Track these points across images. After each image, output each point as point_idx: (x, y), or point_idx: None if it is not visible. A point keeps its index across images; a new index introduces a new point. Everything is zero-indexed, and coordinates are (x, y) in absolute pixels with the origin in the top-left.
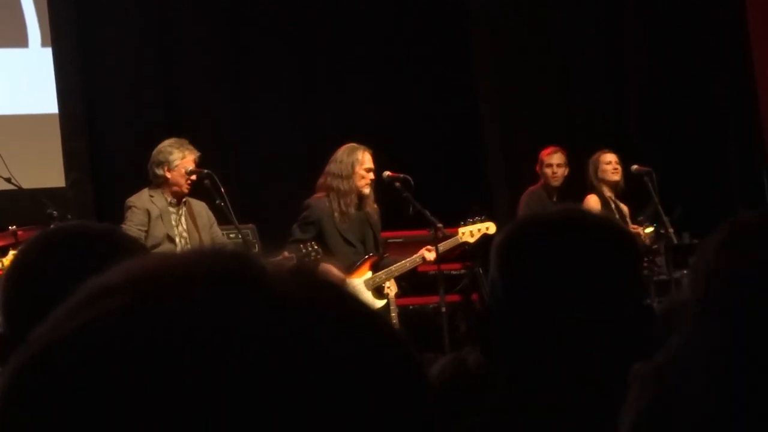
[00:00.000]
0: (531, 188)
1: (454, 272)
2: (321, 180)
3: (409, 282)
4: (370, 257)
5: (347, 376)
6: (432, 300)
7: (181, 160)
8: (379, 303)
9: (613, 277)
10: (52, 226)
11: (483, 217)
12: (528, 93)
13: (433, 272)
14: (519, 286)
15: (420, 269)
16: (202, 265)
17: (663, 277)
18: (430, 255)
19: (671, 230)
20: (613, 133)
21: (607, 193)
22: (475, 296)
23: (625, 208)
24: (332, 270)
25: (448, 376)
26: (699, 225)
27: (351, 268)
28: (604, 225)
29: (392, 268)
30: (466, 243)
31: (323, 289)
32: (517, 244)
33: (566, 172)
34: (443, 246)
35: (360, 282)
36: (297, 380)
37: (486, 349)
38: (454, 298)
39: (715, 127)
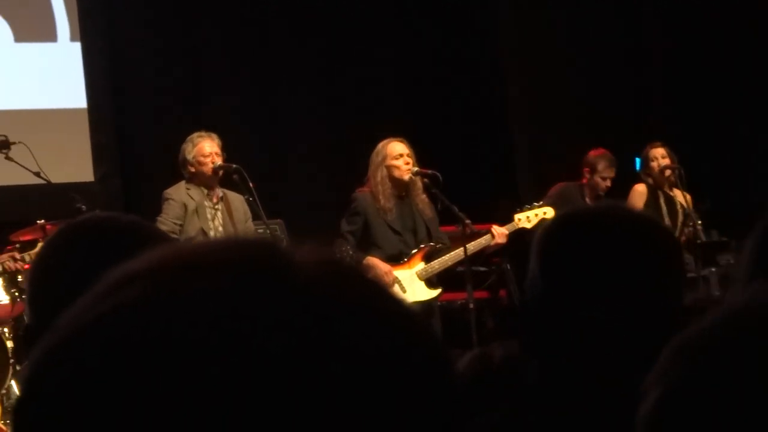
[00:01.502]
0: (563, 183)
1: (482, 268)
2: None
3: (437, 278)
4: (423, 248)
5: (370, 368)
6: (460, 296)
7: (194, 149)
8: (431, 294)
9: (650, 273)
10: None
11: (541, 203)
12: (556, 89)
13: (461, 268)
14: (556, 280)
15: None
16: (225, 252)
17: (691, 274)
18: (500, 232)
19: (699, 227)
20: (641, 129)
21: (658, 186)
22: (502, 293)
23: (680, 196)
24: (378, 263)
25: (473, 370)
26: (727, 222)
27: (400, 258)
28: (643, 221)
29: (446, 257)
30: (523, 228)
31: (350, 279)
32: (557, 238)
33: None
34: (505, 229)
35: (412, 273)
36: (317, 370)
37: (520, 340)
38: (482, 294)
39: (745, 124)
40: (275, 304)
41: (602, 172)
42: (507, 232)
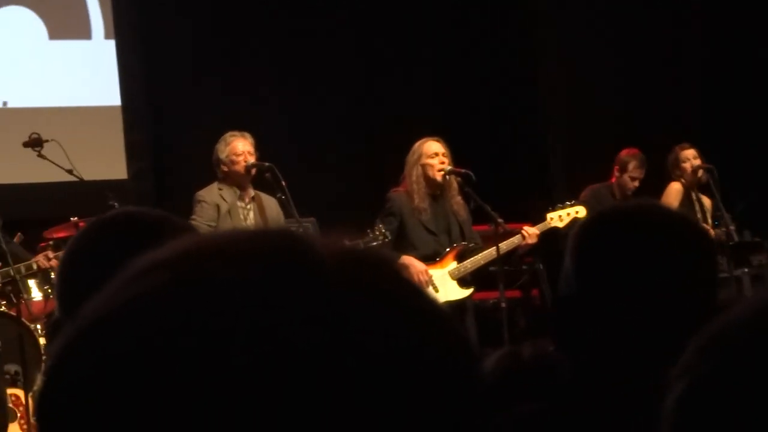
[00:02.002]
0: (593, 186)
1: (514, 268)
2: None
3: (470, 277)
4: (454, 247)
5: (393, 359)
6: (492, 295)
7: (226, 148)
8: (464, 293)
9: (684, 273)
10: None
11: (573, 202)
12: (591, 88)
13: (494, 268)
14: (591, 278)
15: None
16: (251, 242)
17: (724, 274)
18: (531, 232)
19: (733, 227)
20: (675, 132)
21: (690, 187)
22: (535, 292)
23: (707, 201)
24: (413, 262)
25: (503, 368)
26: (761, 222)
27: (435, 258)
28: (678, 221)
29: (478, 256)
30: (555, 227)
31: (374, 269)
32: (592, 236)
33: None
34: (537, 229)
35: (445, 272)
36: (341, 362)
37: (554, 336)
38: (515, 293)
39: None
40: (300, 293)
41: (632, 171)
42: (538, 232)
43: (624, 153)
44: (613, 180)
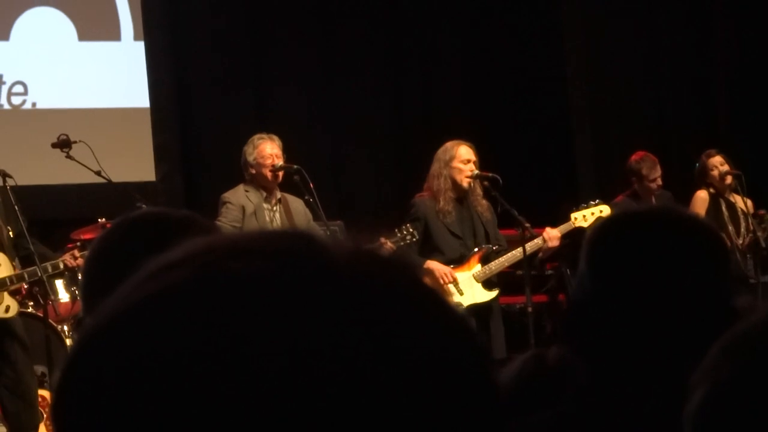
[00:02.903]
0: (621, 197)
1: (539, 273)
2: (428, 179)
3: (496, 279)
4: (479, 250)
5: (402, 356)
6: (519, 300)
7: (254, 151)
8: (489, 295)
9: (698, 276)
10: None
11: (597, 201)
12: (619, 93)
13: (521, 272)
14: (606, 281)
15: (507, 269)
16: (266, 241)
17: (751, 280)
18: (552, 235)
19: (761, 234)
20: (704, 135)
21: (720, 193)
22: (561, 296)
23: (741, 202)
24: (437, 266)
25: (527, 371)
26: None
27: (460, 261)
28: (694, 225)
29: (502, 259)
30: (580, 227)
31: (384, 267)
32: (606, 240)
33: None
34: (559, 230)
35: (469, 275)
36: (348, 353)
37: (569, 340)
38: (541, 298)
39: None
40: (315, 293)
41: (648, 175)
42: (560, 234)
43: (632, 161)
44: (635, 189)
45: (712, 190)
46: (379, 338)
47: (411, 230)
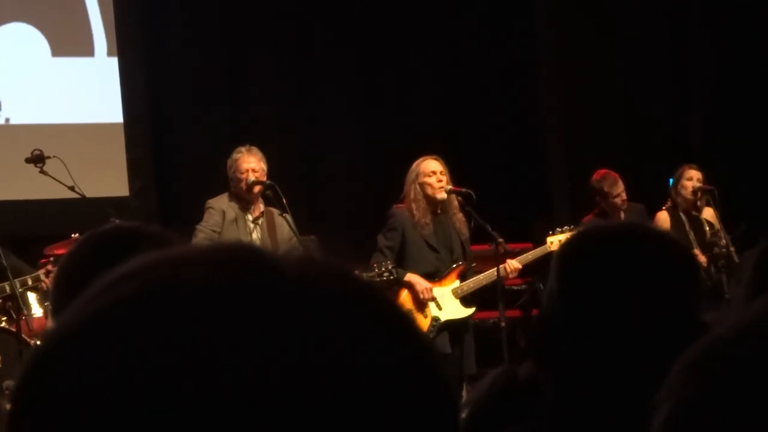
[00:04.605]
0: (588, 217)
1: (514, 287)
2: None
3: (471, 296)
4: (458, 266)
5: (345, 365)
6: (492, 315)
7: (233, 165)
8: (467, 312)
9: (667, 291)
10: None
11: (572, 227)
12: (593, 108)
13: (493, 287)
14: (574, 297)
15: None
16: (213, 253)
17: (725, 295)
18: (509, 268)
19: (732, 249)
20: (678, 151)
21: (684, 207)
22: (535, 311)
23: (710, 215)
24: (418, 281)
25: (498, 387)
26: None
27: (437, 276)
28: (662, 240)
29: (480, 277)
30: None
31: (335, 278)
32: (574, 256)
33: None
34: (532, 255)
35: (448, 291)
36: (292, 363)
37: (538, 357)
38: (515, 313)
39: None
40: (260, 299)
41: (611, 192)
42: (520, 266)
43: (594, 181)
44: (601, 208)
45: (679, 200)
46: (324, 348)
47: (389, 268)
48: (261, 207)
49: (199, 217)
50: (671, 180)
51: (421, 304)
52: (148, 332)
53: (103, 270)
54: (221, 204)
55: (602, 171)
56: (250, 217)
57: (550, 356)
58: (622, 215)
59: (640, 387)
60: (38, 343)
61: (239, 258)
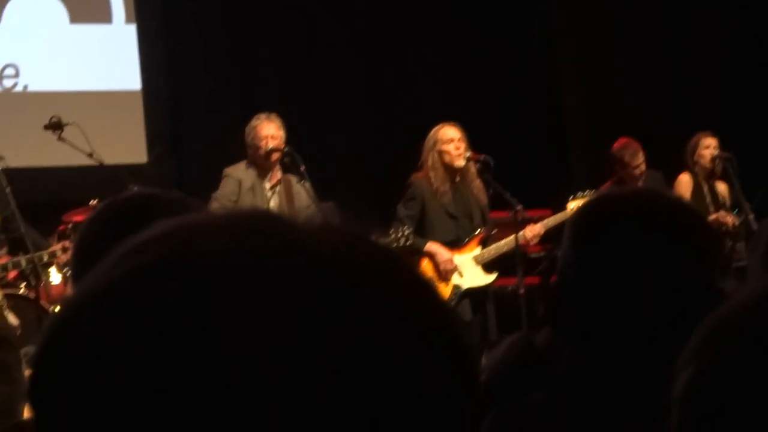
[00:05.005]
0: (606, 185)
1: (534, 254)
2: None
3: (492, 263)
4: (478, 233)
5: (365, 331)
6: (510, 282)
7: (251, 132)
8: (488, 278)
9: (684, 259)
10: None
11: (593, 191)
12: (611, 77)
13: (512, 254)
14: (590, 264)
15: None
16: (231, 220)
17: (742, 263)
18: (530, 233)
19: (752, 216)
20: (693, 116)
21: (702, 175)
22: (553, 278)
23: (723, 189)
24: (439, 250)
25: (515, 354)
26: None
27: (458, 243)
28: (678, 207)
29: (501, 243)
30: None
31: (354, 244)
32: (590, 222)
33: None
34: (553, 220)
35: (469, 258)
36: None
37: (554, 323)
38: (533, 280)
39: None
40: (281, 266)
41: (631, 162)
42: (542, 230)
43: (615, 149)
44: (619, 177)
45: (697, 170)
46: (345, 317)
47: (405, 232)
48: (278, 174)
49: (217, 185)
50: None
51: (442, 273)
52: (164, 301)
53: (123, 237)
54: (238, 172)
55: (624, 139)
56: (267, 185)
57: (566, 323)
58: (640, 185)
59: (657, 354)
60: (57, 310)
61: (258, 226)
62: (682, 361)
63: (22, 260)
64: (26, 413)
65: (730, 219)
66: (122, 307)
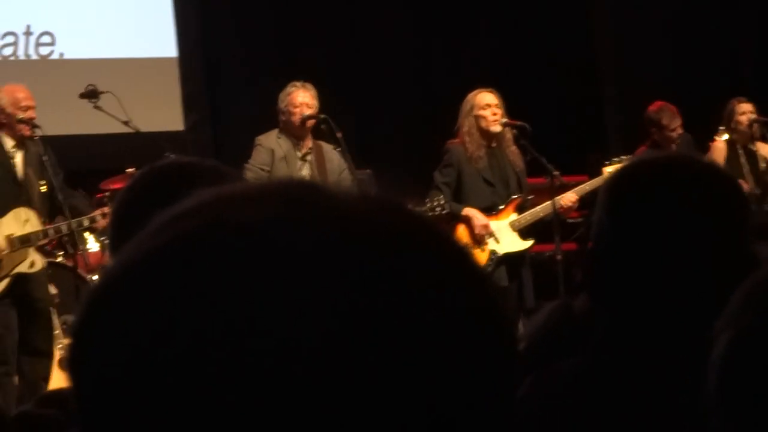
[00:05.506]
0: (641, 149)
1: (571, 220)
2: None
3: (529, 229)
4: (515, 199)
5: (410, 300)
6: (548, 248)
7: (285, 98)
8: (525, 244)
9: (718, 224)
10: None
11: (629, 156)
12: (646, 42)
13: (549, 220)
14: (626, 229)
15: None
16: (271, 189)
17: None
18: (566, 202)
19: None
20: (728, 82)
21: (740, 141)
22: (590, 244)
23: (763, 150)
24: (476, 215)
25: (554, 321)
26: None
27: (494, 210)
28: (711, 172)
29: (537, 209)
30: None
31: (392, 213)
32: (623, 188)
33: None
34: (589, 185)
35: (505, 224)
36: (359, 297)
37: (591, 289)
38: (571, 246)
39: None
40: (317, 232)
41: (669, 125)
42: (576, 198)
43: (651, 112)
44: (654, 140)
45: (735, 136)
46: (384, 286)
47: (441, 202)
48: (310, 143)
49: (252, 152)
50: None
51: (478, 238)
52: (204, 271)
53: (160, 205)
54: (270, 141)
55: (660, 103)
56: (299, 154)
57: (603, 289)
58: (674, 148)
59: (694, 319)
60: (96, 279)
61: (296, 195)
62: (720, 325)
63: (63, 227)
64: (56, 383)
65: (746, 186)
66: (161, 277)
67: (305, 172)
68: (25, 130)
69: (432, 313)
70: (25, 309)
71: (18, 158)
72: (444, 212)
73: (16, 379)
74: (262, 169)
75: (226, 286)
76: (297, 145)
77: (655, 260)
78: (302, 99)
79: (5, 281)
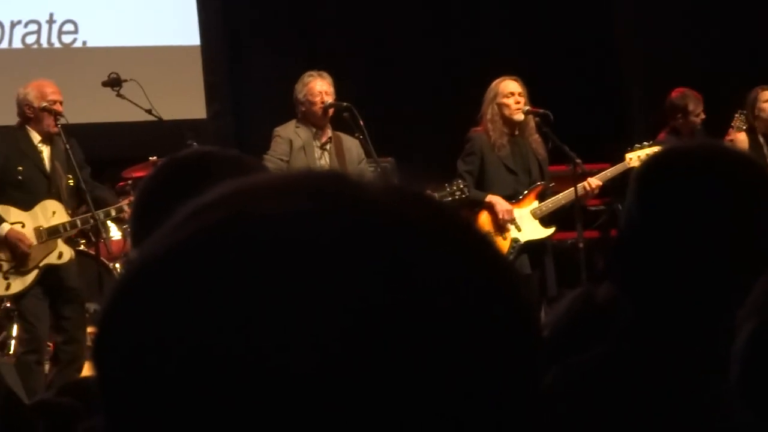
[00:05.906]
0: (662, 134)
1: (593, 208)
2: (480, 121)
3: (550, 216)
4: (536, 186)
5: (434, 293)
6: (570, 235)
7: (304, 88)
8: (546, 232)
9: (747, 213)
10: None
11: (651, 142)
12: (668, 29)
13: (571, 207)
14: (655, 218)
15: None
16: (296, 181)
17: None
18: (591, 186)
19: None
20: (753, 72)
21: (762, 130)
22: (613, 232)
23: None
24: (498, 201)
25: (576, 309)
26: None
27: (516, 197)
28: (743, 161)
29: (559, 196)
30: (634, 168)
31: (417, 203)
32: (655, 174)
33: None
34: (611, 172)
35: (527, 211)
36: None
37: (616, 278)
38: (593, 234)
39: None
40: (343, 225)
41: (694, 110)
42: (600, 183)
43: (675, 97)
44: (678, 124)
45: (757, 124)
46: (409, 277)
47: (461, 186)
48: (329, 132)
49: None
50: None
51: (500, 226)
52: (228, 263)
53: (182, 195)
54: (288, 132)
55: (681, 89)
56: (318, 143)
57: (628, 277)
58: (694, 134)
59: (720, 307)
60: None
61: (320, 186)
62: (745, 314)
63: (90, 218)
64: (86, 370)
65: None
66: (185, 270)
67: (324, 161)
68: (52, 126)
69: (458, 302)
70: (59, 298)
71: (45, 153)
72: (464, 197)
73: (46, 367)
74: (282, 160)
75: (249, 279)
76: (316, 134)
77: (685, 250)
78: (321, 87)
79: (34, 272)
